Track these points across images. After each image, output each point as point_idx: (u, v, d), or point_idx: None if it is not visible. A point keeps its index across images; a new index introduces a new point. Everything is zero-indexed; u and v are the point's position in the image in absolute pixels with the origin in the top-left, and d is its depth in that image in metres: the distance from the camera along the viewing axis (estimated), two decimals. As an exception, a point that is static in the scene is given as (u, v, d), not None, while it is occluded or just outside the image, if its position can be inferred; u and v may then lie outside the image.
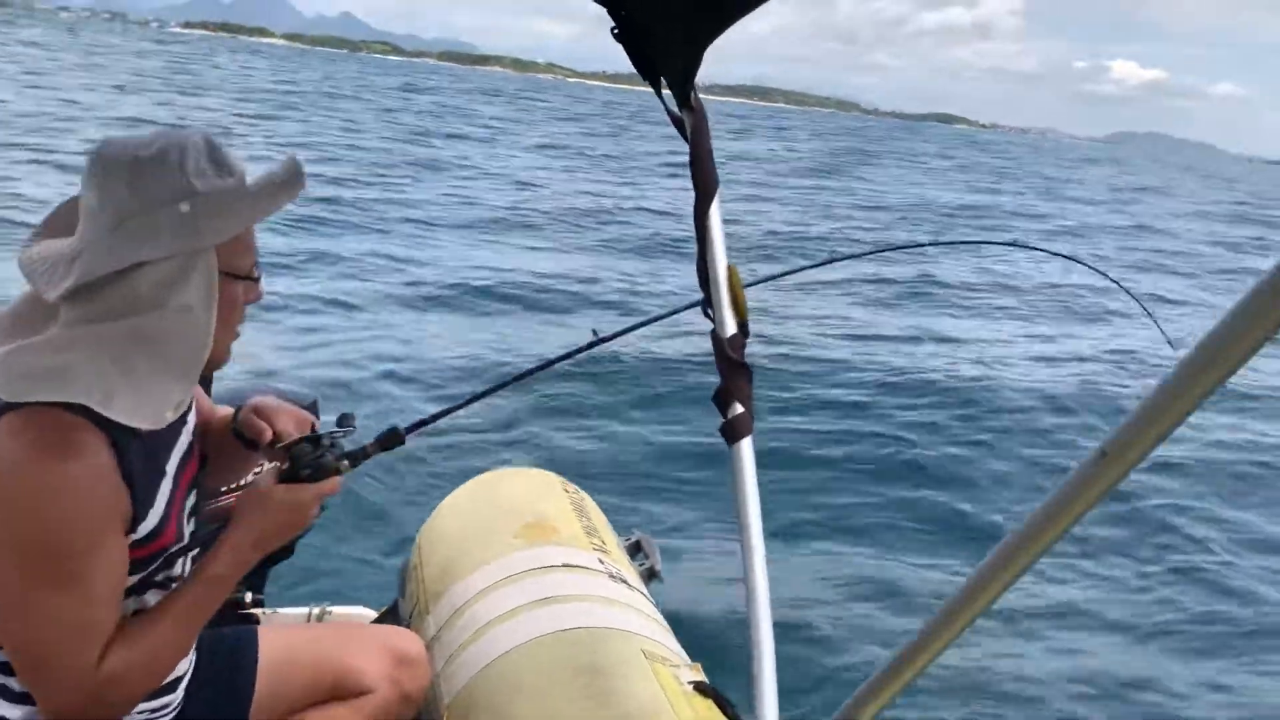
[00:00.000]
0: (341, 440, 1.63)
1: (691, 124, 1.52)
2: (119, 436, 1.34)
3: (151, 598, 1.50)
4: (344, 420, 1.74)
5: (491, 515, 2.56)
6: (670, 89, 1.54)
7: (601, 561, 2.32)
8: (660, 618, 2.24)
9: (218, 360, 1.45)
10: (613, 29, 1.54)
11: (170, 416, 1.36)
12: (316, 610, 2.36)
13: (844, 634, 4.40)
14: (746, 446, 1.35)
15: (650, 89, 1.57)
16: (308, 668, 1.88)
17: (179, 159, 1.32)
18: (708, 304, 1.45)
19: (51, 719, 1.38)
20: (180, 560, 1.55)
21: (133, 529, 1.39)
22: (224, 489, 2.27)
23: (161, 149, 1.33)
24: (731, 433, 1.36)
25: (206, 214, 1.33)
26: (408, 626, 2.27)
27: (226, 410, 1.80)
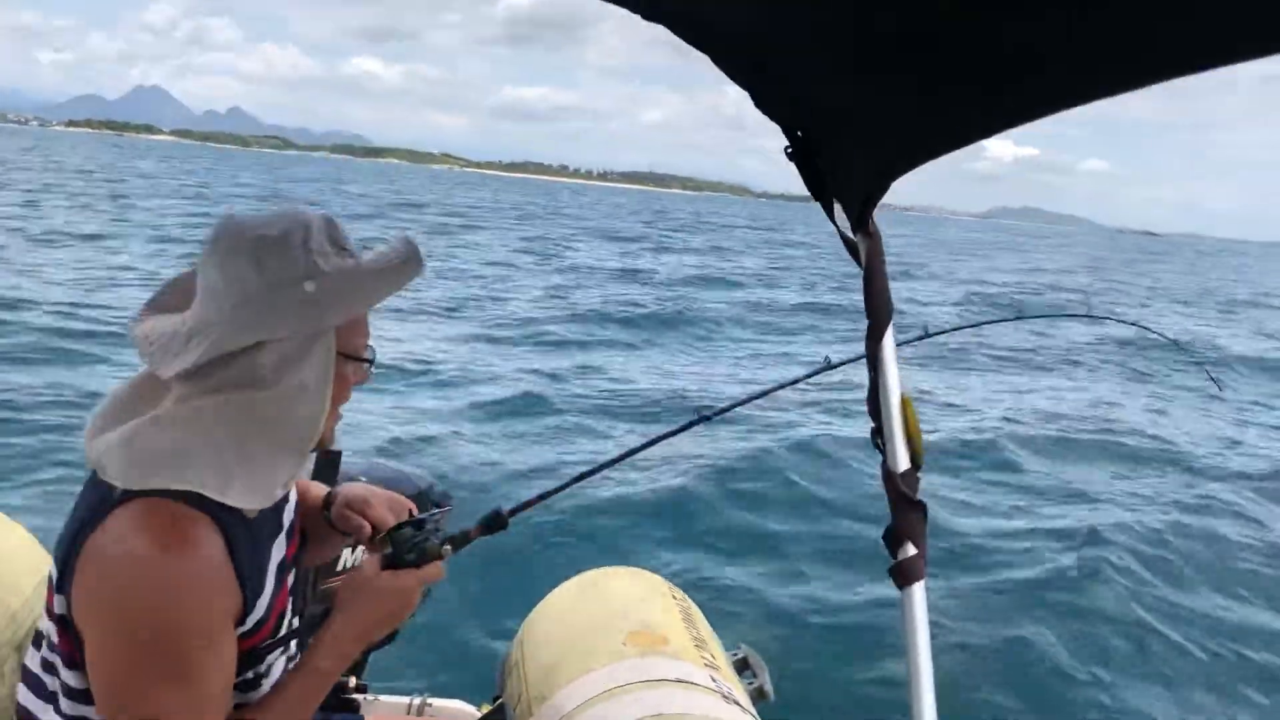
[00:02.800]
0: (442, 522, 1.59)
1: (867, 249, 1.48)
2: (230, 525, 1.32)
3: (262, 686, 1.47)
4: (441, 499, 1.71)
5: (598, 617, 2.49)
6: (845, 212, 1.51)
7: (714, 679, 2.24)
8: (772, 744, 2.14)
9: (324, 440, 1.44)
10: (786, 148, 1.52)
11: (280, 493, 1.35)
12: (418, 701, 2.31)
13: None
14: (919, 591, 1.27)
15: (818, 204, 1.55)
16: None
17: (303, 239, 1.32)
18: (878, 435, 1.39)
19: None
20: (281, 650, 1.53)
21: (242, 622, 1.37)
22: (321, 572, 2.25)
23: (286, 228, 1.33)
24: (902, 576, 1.29)
25: (330, 294, 1.32)
26: None
27: (320, 489, 1.79)
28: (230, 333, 1.29)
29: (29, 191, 33.04)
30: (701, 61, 1.42)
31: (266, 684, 1.50)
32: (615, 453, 2.05)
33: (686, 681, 2.18)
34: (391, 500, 1.68)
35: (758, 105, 1.50)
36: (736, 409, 2.34)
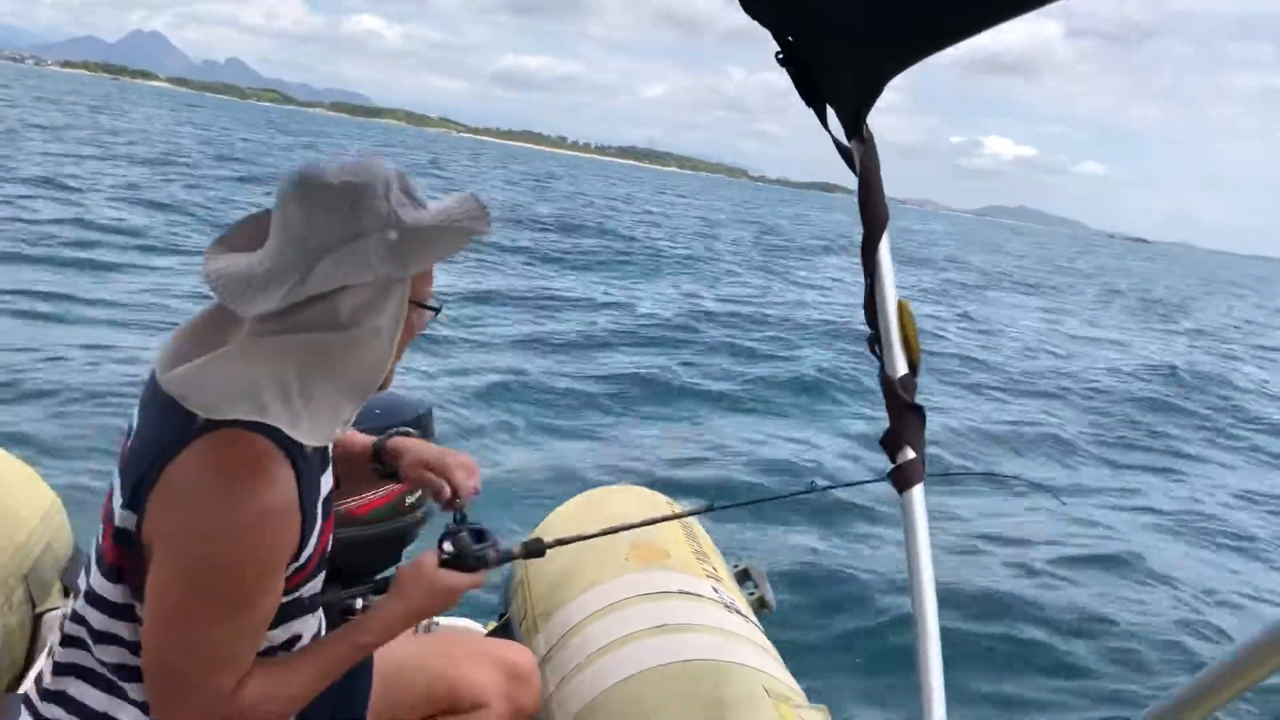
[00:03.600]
0: (495, 538, 1.67)
1: (861, 155, 1.46)
2: (298, 461, 1.35)
3: (278, 633, 1.50)
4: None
5: (601, 528, 2.52)
6: (839, 118, 1.48)
7: (715, 590, 2.27)
8: (775, 652, 2.18)
9: (385, 383, 1.47)
10: (777, 54, 1.49)
11: (339, 434, 1.38)
12: (424, 620, 2.35)
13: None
14: (918, 494, 1.28)
15: (814, 113, 1.52)
16: (421, 681, 1.87)
17: (385, 189, 1.36)
18: (875, 342, 1.39)
19: None
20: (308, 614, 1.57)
21: (296, 557, 1.40)
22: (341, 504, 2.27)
23: (368, 179, 1.36)
24: (902, 479, 1.29)
25: (411, 244, 1.36)
26: (519, 642, 2.24)
27: (359, 439, 1.86)
28: (316, 277, 1.32)
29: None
30: (708, 37, 1.37)
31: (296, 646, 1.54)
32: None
33: (689, 593, 2.22)
34: (463, 464, 1.79)
35: (746, 10, 1.46)
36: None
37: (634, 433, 7.43)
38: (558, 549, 2.52)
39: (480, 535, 1.62)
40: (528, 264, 18.52)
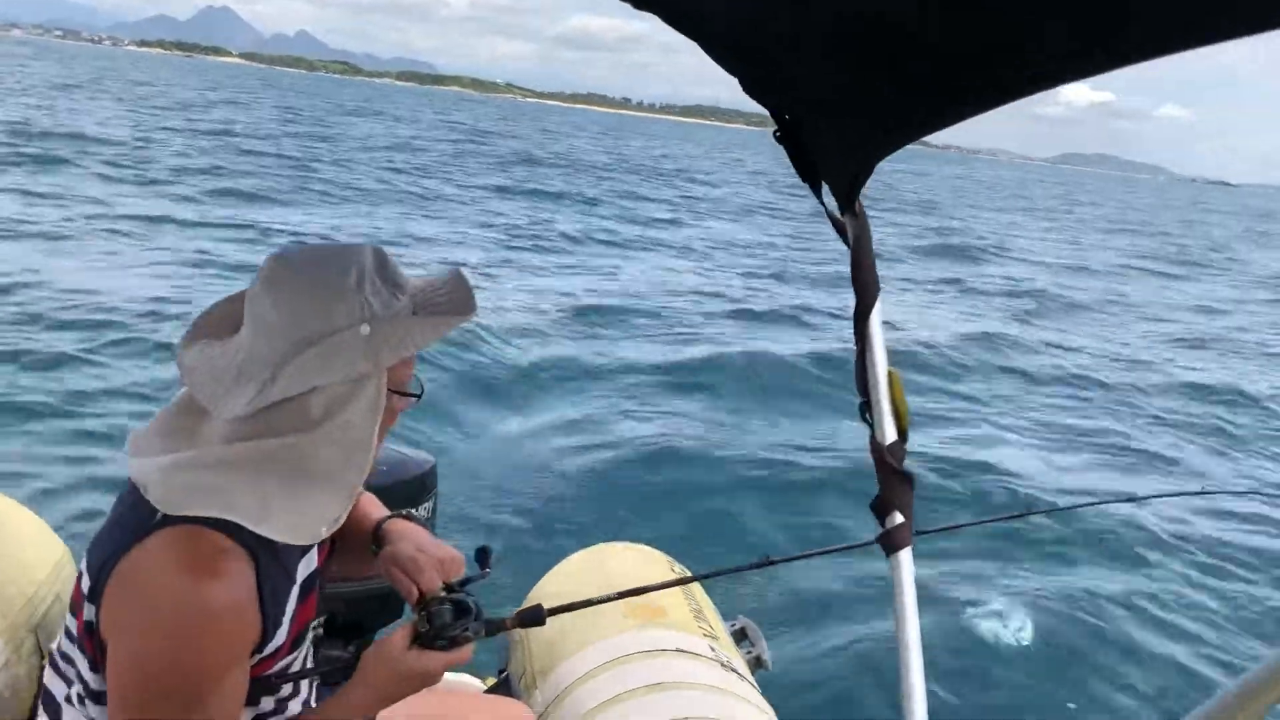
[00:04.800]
0: (481, 606, 1.57)
1: (854, 230, 1.53)
2: (262, 555, 1.34)
3: (266, 703, 1.50)
4: (482, 558, 1.71)
5: (600, 590, 2.55)
6: (833, 194, 1.55)
7: (712, 649, 2.30)
8: (771, 711, 2.20)
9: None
10: (775, 132, 1.57)
11: (325, 533, 1.35)
12: (397, 702, 2.38)
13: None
14: (906, 558, 1.33)
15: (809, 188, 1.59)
16: None
17: (358, 279, 1.33)
18: (866, 410, 1.44)
19: None
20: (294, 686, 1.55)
21: (260, 649, 1.38)
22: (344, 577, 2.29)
23: (342, 268, 1.34)
24: (890, 544, 1.35)
25: (385, 338, 1.33)
26: (517, 699, 2.26)
27: (373, 508, 1.79)
28: (284, 379, 1.31)
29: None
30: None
31: (285, 714, 1.53)
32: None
33: (686, 651, 2.25)
34: (442, 561, 1.65)
35: (746, 91, 1.54)
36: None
37: (630, 485, 7.45)
38: (556, 593, 2.57)
39: (462, 609, 1.52)
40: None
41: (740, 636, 2.65)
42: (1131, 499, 2.69)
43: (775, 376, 10.82)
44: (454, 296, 1.41)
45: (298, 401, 1.31)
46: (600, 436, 8.47)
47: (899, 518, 1.36)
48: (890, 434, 1.40)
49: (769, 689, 2.43)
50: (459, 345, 10.27)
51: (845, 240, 1.54)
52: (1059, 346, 14.72)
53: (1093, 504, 5.09)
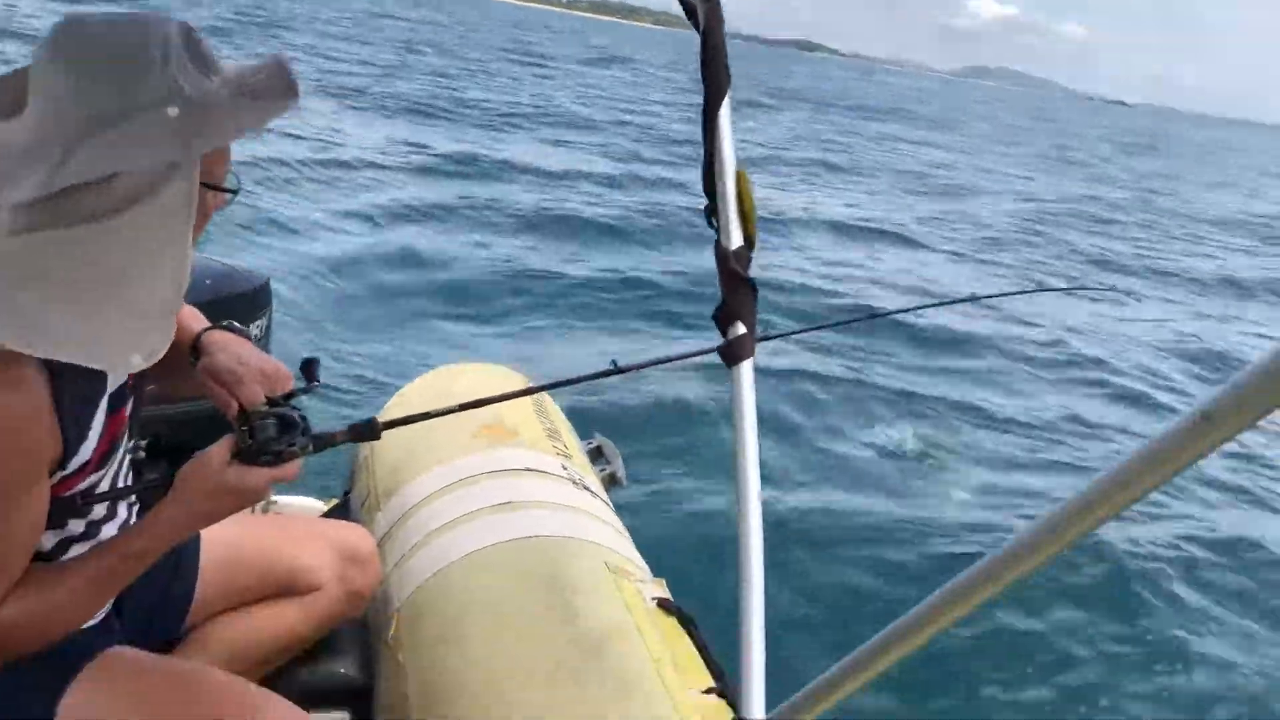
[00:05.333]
0: (309, 422, 1.42)
1: (705, 13, 1.38)
2: (61, 366, 1.19)
3: (75, 526, 1.39)
4: (309, 370, 1.57)
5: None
6: None
7: (564, 467, 2.25)
8: (622, 528, 2.18)
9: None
10: None
11: (139, 364, 1.18)
12: (216, 522, 2.28)
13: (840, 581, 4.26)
14: (747, 370, 1.25)
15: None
16: (255, 565, 1.78)
17: (163, 54, 1.15)
18: (712, 212, 1.34)
19: None
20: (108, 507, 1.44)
21: (62, 466, 1.27)
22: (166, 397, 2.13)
23: (142, 39, 1.15)
24: (731, 355, 1.26)
25: (197, 122, 1.16)
26: (358, 522, 2.18)
27: (193, 320, 1.61)
28: (77, 161, 1.12)
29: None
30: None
31: (98, 537, 1.43)
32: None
33: (536, 470, 2.19)
34: (265, 373, 1.50)
35: None
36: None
37: (491, 309, 7.33)
38: (400, 429, 2.47)
39: (287, 423, 1.39)
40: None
41: (596, 455, 2.61)
42: (973, 298, 2.77)
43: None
44: (273, 82, 1.23)
45: (94, 189, 1.13)
46: (447, 263, 8.32)
47: (741, 328, 1.27)
48: (737, 239, 1.30)
49: (624, 506, 2.41)
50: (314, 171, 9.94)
51: (695, 25, 1.39)
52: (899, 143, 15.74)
53: (936, 305, 5.20)
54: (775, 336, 1.82)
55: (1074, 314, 9.74)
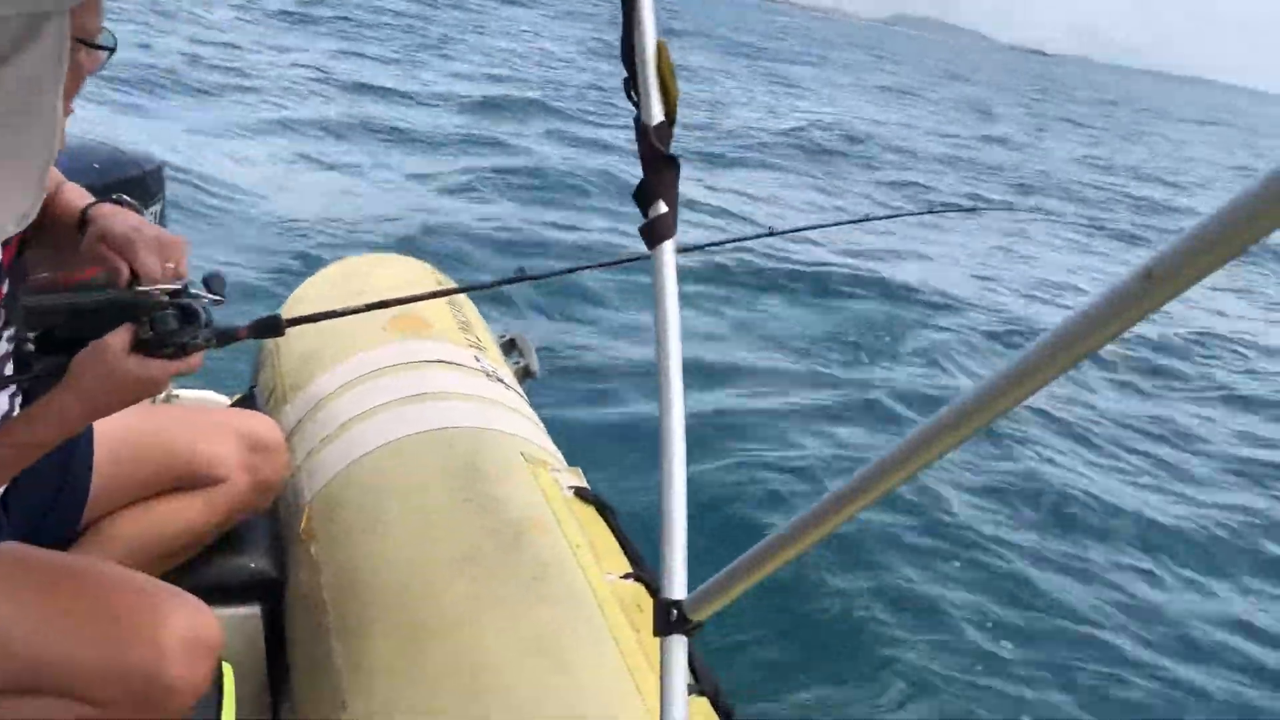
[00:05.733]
0: (211, 311, 1.36)
1: None
2: None
3: None
4: (212, 284, 1.49)
5: (358, 301, 2.38)
6: None
7: (477, 359, 2.20)
8: (537, 419, 2.16)
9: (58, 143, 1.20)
10: None
11: (11, 229, 1.11)
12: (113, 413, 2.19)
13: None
14: (669, 250, 1.22)
15: None
16: (153, 456, 1.71)
17: None
18: (632, 86, 1.28)
19: None
20: None
21: None
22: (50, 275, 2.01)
23: None
24: (652, 234, 1.23)
25: None
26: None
27: (76, 195, 1.51)
28: None
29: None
30: None
31: None
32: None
33: (449, 362, 2.14)
34: (161, 243, 1.41)
35: None
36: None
37: (405, 200, 7.14)
38: (311, 306, 2.38)
39: (189, 315, 1.32)
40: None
41: (510, 348, 2.57)
42: (867, 219, 2.81)
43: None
44: None
45: None
46: (365, 173, 8.08)
47: (663, 206, 1.24)
48: (658, 113, 1.25)
49: (536, 394, 2.39)
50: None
51: None
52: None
53: (836, 225, 5.27)
54: (695, 249, 1.81)
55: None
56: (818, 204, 10.93)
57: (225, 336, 1.38)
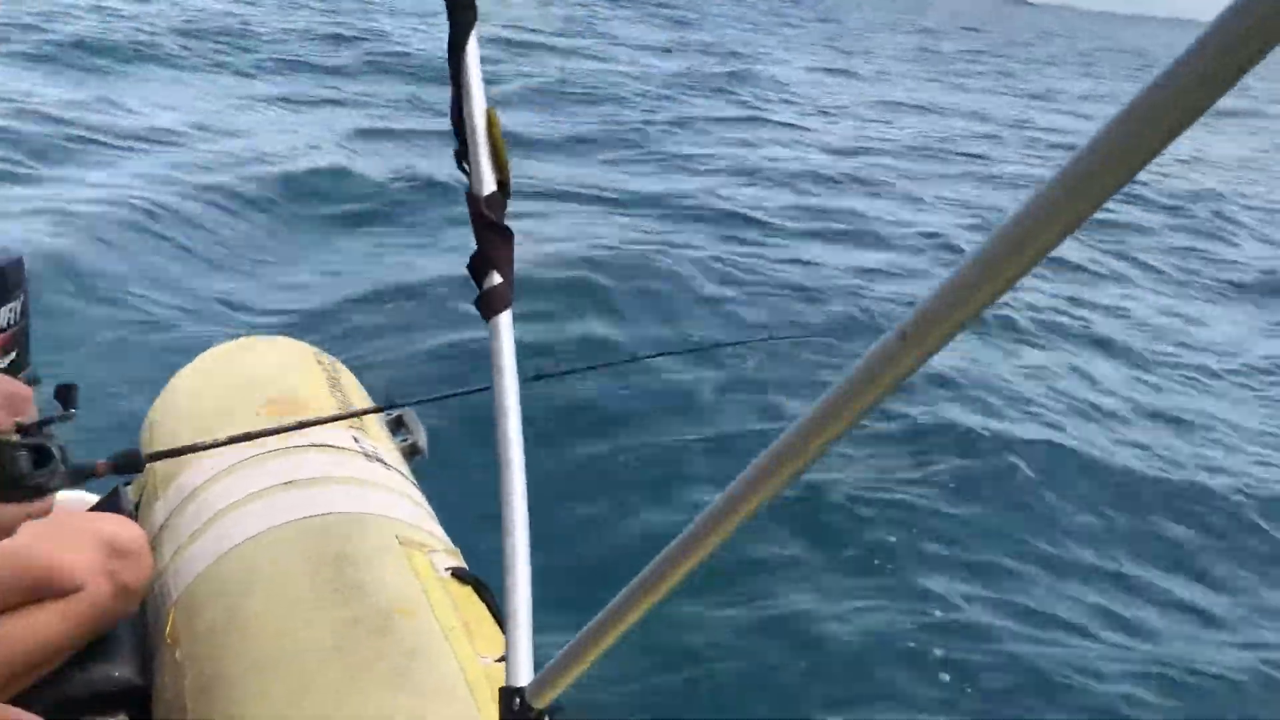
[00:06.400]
0: (67, 450, 1.29)
1: None
2: None
3: None
4: (65, 395, 1.42)
5: (232, 389, 2.31)
6: None
7: (356, 439, 2.15)
8: (421, 499, 2.10)
9: None
10: None
11: None
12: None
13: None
14: (505, 321, 1.20)
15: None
16: (9, 569, 1.62)
17: None
18: (463, 157, 1.27)
19: None
20: None
21: None
22: None
23: None
24: (487, 306, 1.21)
25: None
26: (134, 515, 2.03)
27: None
28: None
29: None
30: None
31: None
32: None
33: (325, 445, 2.08)
34: (7, 397, 1.30)
35: None
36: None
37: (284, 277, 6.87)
38: (182, 397, 2.32)
39: (44, 456, 1.25)
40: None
41: (397, 425, 2.51)
42: (717, 344, 2.81)
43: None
44: None
45: None
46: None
47: (497, 278, 1.22)
48: (489, 184, 1.24)
49: (424, 476, 2.34)
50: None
51: None
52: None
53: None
54: (547, 376, 1.85)
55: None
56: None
57: (81, 474, 1.35)
